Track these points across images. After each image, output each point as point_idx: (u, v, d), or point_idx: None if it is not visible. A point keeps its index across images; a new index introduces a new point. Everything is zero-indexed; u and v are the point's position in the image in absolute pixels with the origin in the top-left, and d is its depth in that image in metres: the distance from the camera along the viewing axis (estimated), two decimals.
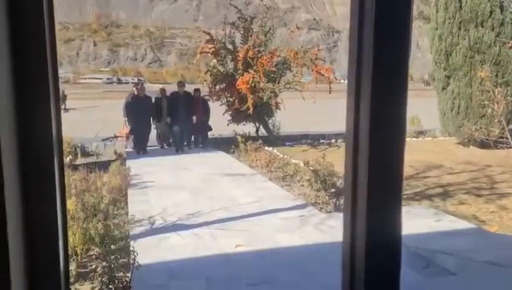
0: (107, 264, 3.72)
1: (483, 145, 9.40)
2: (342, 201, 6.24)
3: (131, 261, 3.68)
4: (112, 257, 3.77)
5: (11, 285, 0.71)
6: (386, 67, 1.02)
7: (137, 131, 10.13)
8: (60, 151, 0.76)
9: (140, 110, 10.04)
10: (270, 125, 11.85)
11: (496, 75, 9.60)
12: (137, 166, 7.79)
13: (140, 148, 10.24)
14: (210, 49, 11.32)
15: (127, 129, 10.12)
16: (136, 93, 10.36)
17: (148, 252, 4.15)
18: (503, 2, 9.91)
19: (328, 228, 4.98)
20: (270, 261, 4.07)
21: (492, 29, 10.03)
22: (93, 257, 4.32)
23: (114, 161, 8.38)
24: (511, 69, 9.86)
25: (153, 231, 4.89)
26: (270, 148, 10.08)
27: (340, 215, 5.55)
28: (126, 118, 10.11)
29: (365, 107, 1.03)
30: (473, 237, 4.90)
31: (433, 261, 4.02)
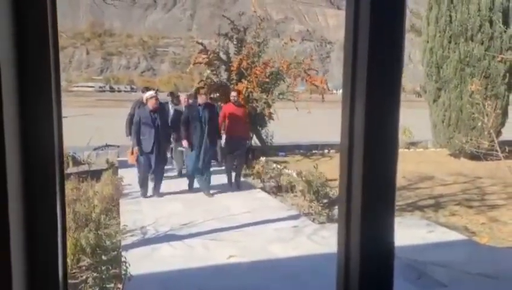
0: (98, 275, 3.68)
1: (474, 157, 9.50)
2: (335, 211, 6.26)
3: (123, 272, 3.65)
4: (103, 267, 3.74)
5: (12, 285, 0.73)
6: (380, 80, 1.04)
7: (148, 161, 6.87)
8: (60, 158, 0.77)
9: (153, 130, 6.75)
10: (263, 135, 11.89)
11: (486, 88, 9.75)
12: (130, 175, 7.74)
13: (151, 185, 7.17)
14: (204, 59, 11.36)
15: (135, 154, 6.96)
16: (148, 106, 6.86)
17: (140, 262, 4.12)
18: (492, 16, 10.09)
19: (321, 239, 4.99)
20: (263, 272, 4.06)
21: (482, 43, 10.20)
22: (84, 267, 4.27)
23: (106, 170, 8.33)
24: (500, 82, 10.01)
25: (146, 242, 4.86)
26: (263, 158, 10.10)
27: (334, 226, 5.56)
28: (133, 139, 6.87)
29: (359, 119, 1.06)
30: (464, 249, 4.94)
31: (425, 273, 4.04)
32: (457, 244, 5.11)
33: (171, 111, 8.57)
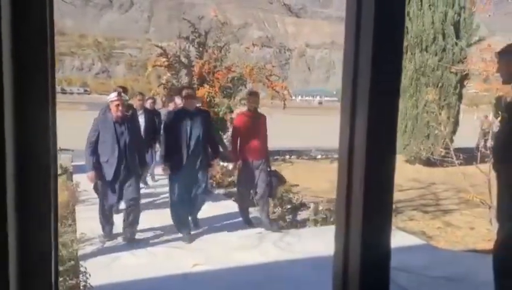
0: None
1: (429, 163, 9.89)
2: (297, 217, 6.29)
3: (83, 283, 3.46)
4: (60, 279, 3.52)
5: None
6: (381, 89, 1.04)
7: (112, 193, 4.92)
8: (54, 158, 0.80)
9: (117, 150, 4.79)
10: (225, 141, 11.81)
11: (439, 98, 10.20)
12: (87, 181, 7.40)
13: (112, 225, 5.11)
14: (164, 62, 11.15)
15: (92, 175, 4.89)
16: (111, 114, 4.83)
17: (100, 272, 3.92)
18: (445, 30, 10.59)
19: (286, 245, 4.97)
20: (228, 280, 3.98)
21: (436, 55, 10.69)
22: None
23: (60, 175, 7.94)
24: (452, 92, 10.52)
25: (106, 250, 4.64)
26: (225, 164, 10.01)
27: (297, 232, 5.57)
28: (86, 160, 4.88)
29: (361, 127, 1.05)
30: (423, 253, 5.09)
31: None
32: (416, 248, 5.26)
33: (141, 119, 7.08)
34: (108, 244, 4.86)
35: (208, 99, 10.35)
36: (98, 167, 4.82)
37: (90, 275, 3.46)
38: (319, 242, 4.77)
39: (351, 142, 1.07)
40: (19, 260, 0.73)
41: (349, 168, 1.08)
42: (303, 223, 5.98)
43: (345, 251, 1.09)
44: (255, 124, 5.55)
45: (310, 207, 6.49)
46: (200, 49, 11.32)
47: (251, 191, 5.69)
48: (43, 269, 0.77)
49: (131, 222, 4.91)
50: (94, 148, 4.77)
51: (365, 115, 1.02)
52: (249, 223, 5.72)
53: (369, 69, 1.01)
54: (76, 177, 8.22)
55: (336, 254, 1.09)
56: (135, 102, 7.60)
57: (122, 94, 5.00)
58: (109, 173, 4.76)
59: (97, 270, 3.92)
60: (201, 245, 4.88)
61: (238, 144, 5.58)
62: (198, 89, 10.57)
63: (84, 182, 7.40)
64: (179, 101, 5.73)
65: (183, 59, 11.41)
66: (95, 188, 5.18)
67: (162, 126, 5.76)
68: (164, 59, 11.06)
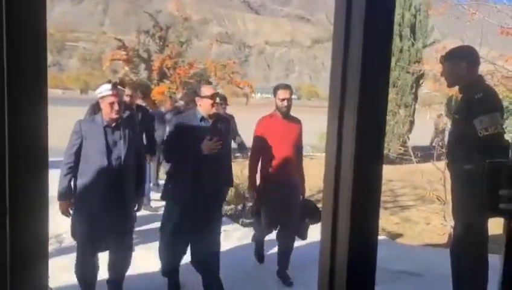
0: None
1: (387, 160, 10.21)
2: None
3: None
4: None
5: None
6: (371, 89, 1.05)
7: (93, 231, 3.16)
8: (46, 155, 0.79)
9: (106, 166, 3.17)
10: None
11: (397, 97, 10.55)
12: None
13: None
14: (122, 56, 10.87)
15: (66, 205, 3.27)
16: (109, 113, 3.18)
17: (58, 274, 3.73)
18: (402, 31, 10.96)
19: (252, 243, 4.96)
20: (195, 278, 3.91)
21: (393, 55, 11.04)
22: None
23: None
24: (408, 92, 10.91)
25: (63, 251, 4.43)
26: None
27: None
28: (60, 182, 3.22)
29: (350, 125, 1.05)
30: (384, 248, 5.22)
31: None
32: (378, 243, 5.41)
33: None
34: (67, 244, 4.64)
35: (168, 95, 10.18)
36: (79, 194, 3.21)
37: (48, 277, 3.28)
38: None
39: (339, 142, 1.07)
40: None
41: (337, 168, 1.08)
42: None
43: (332, 248, 1.10)
44: (288, 134, 3.88)
45: None
46: (161, 43, 11.13)
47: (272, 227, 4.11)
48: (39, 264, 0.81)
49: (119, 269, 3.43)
50: (74, 165, 3.20)
51: (354, 116, 1.03)
52: (260, 260, 4.39)
53: (359, 70, 1.01)
54: None
55: (322, 248, 1.10)
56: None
57: (120, 87, 3.42)
58: (93, 203, 3.15)
59: (55, 271, 3.73)
60: None
61: (260, 163, 3.96)
62: (158, 85, 10.37)
63: None
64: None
65: (142, 53, 11.17)
66: (73, 230, 3.29)
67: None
68: (123, 52, 10.78)
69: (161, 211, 3.78)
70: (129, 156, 3.28)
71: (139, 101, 5.51)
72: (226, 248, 4.46)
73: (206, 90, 3.36)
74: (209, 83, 3.47)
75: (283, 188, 3.79)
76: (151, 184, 6.61)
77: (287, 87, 3.94)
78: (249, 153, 4.15)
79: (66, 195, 3.22)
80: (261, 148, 3.89)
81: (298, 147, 3.96)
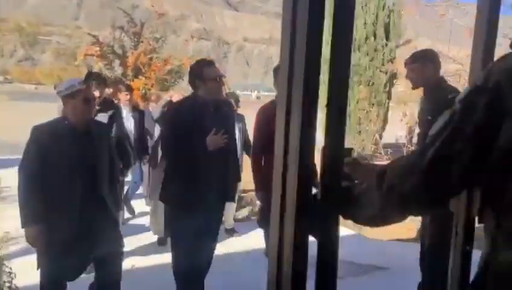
0: None
1: (360, 158, 10.39)
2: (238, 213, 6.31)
3: (7, 284, 3.23)
4: None
5: None
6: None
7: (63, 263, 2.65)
8: None
9: (78, 184, 2.57)
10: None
11: (370, 96, 10.74)
12: (10, 176, 6.89)
13: None
14: (96, 52, 10.70)
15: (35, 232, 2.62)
16: (80, 114, 2.57)
17: (27, 273, 3.67)
18: (375, 30, 11.15)
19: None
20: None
21: (367, 54, 11.22)
22: None
23: None
24: (382, 91, 11.10)
25: (33, 250, 4.35)
26: None
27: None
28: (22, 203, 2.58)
29: (295, 125, 1.07)
30: (353, 242, 5.35)
31: None
32: (346, 238, 5.51)
33: (129, 123, 4.97)
34: None
35: (143, 92, 10.09)
36: (45, 218, 2.57)
37: (15, 275, 3.24)
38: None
39: (286, 140, 1.10)
40: None
41: (285, 164, 1.11)
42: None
43: (280, 246, 1.13)
44: None
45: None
46: (136, 39, 11.00)
47: None
48: None
49: None
50: (35, 180, 2.55)
51: (299, 114, 1.06)
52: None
53: (302, 68, 1.04)
54: None
55: (271, 242, 1.13)
56: (122, 97, 5.16)
57: (94, 82, 2.94)
58: (61, 224, 2.58)
59: (23, 270, 3.67)
60: (138, 244, 4.74)
61: (263, 162, 3.54)
62: (132, 81, 10.26)
63: (6, 177, 6.90)
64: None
65: (117, 49, 11.02)
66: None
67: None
68: (97, 48, 10.61)
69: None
70: (102, 166, 2.66)
71: (125, 98, 5.13)
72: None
73: (210, 71, 2.79)
74: (211, 63, 2.89)
75: None
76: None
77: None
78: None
79: (31, 218, 2.56)
80: (265, 143, 3.33)
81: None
